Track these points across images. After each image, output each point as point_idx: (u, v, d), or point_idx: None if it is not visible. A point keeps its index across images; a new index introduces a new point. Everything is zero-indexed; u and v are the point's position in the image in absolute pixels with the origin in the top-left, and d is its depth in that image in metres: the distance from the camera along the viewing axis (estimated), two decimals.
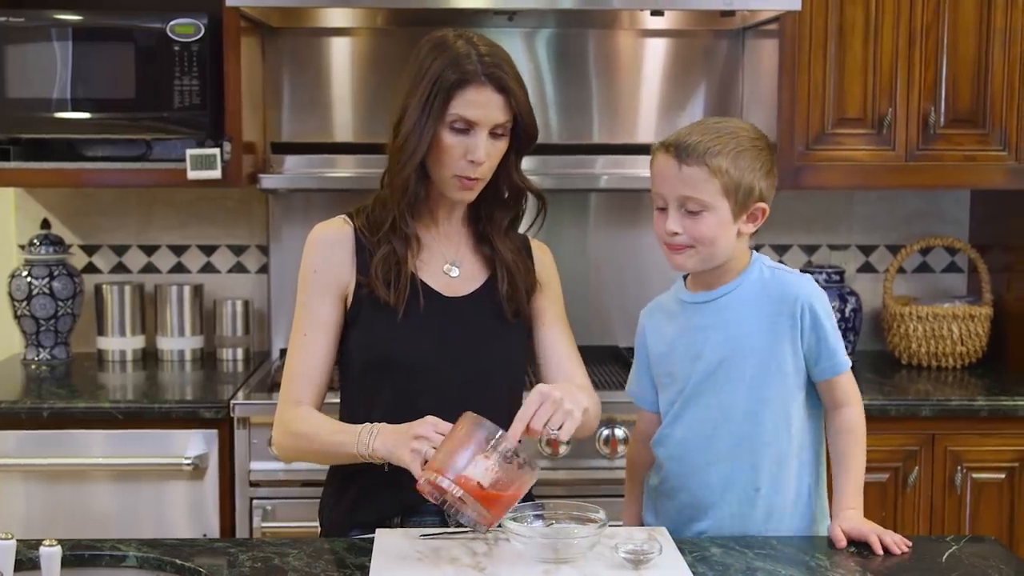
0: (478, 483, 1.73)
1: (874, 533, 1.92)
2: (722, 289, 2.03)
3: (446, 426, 1.83)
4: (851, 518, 1.96)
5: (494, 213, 2.15)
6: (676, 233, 1.97)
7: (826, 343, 2.01)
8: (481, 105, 2.00)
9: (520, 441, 1.80)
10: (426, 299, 2.07)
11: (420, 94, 2.01)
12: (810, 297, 2.00)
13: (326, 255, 2.10)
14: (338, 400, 2.18)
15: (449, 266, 2.14)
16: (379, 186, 2.14)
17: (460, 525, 1.84)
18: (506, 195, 2.15)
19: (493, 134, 2.03)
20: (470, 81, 2.00)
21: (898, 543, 1.91)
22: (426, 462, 1.80)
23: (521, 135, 2.09)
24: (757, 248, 3.47)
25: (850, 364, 2.04)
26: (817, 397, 2.05)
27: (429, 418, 1.87)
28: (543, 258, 2.24)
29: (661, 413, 2.10)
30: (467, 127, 2.01)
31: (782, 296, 2.01)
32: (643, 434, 2.16)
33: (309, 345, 2.08)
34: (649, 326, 2.13)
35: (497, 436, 1.77)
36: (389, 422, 1.95)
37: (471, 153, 2.01)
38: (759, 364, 2.00)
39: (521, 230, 2.22)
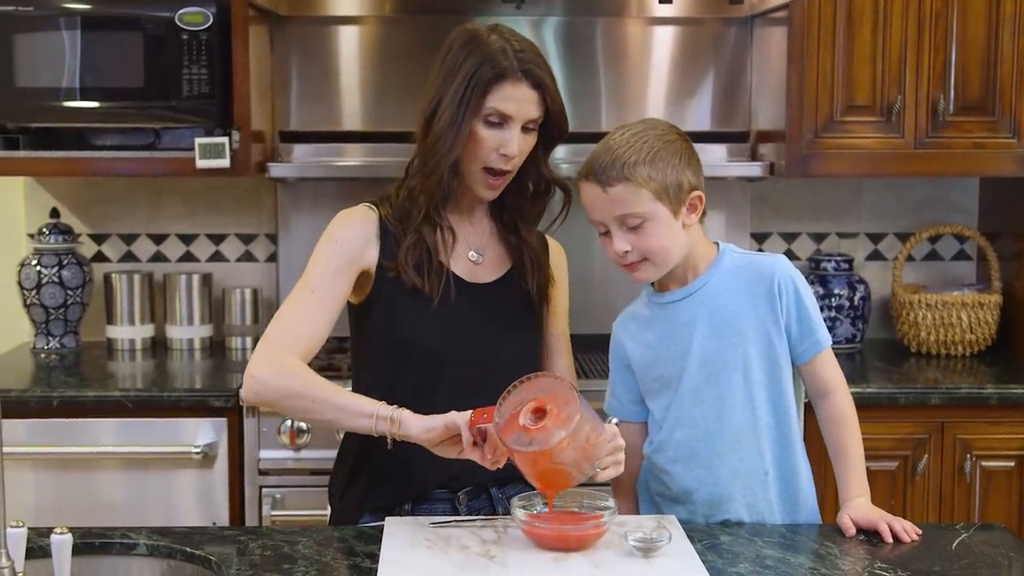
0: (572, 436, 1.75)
1: (883, 521, 1.92)
2: (698, 282, 2.03)
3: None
4: (860, 506, 1.96)
5: (521, 205, 2.15)
6: (626, 251, 1.96)
7: (806, 316, 2.00)
8: (517, 100, 2.01)
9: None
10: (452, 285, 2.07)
11: (455, 89, 2.00)
12: (786, 272, 2.01)
13: (351, 232, 2.08)
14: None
15: (474, 253, 2.14)
16: (403, 175, 2.13)
17: (471, 512, 1.83)
18: (531, 188, 2.15)
19: (525, 128, 2.03)
20: (507, 76, 2.00)
21: (908, 530, 1.91)
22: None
23: (552, 130, 2.09)
24: (765, 236, 3.51)
25: (831, 341, 2.04)
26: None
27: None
28: (559, 260, 2.23)
29: (654, 420, 2.08)
30: (501, 121, 2.02)
31: (759, 277, 2.01)
32: (627, 446, 2.15)
33: (314, 304, 2.02)
34: (626, 336, 2.10)
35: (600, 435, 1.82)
36: (411, 406, 1.94)
37: (504, 147, 2.02)
38: (749, 347, 2.00)
39: (546, 223, 2.21)
